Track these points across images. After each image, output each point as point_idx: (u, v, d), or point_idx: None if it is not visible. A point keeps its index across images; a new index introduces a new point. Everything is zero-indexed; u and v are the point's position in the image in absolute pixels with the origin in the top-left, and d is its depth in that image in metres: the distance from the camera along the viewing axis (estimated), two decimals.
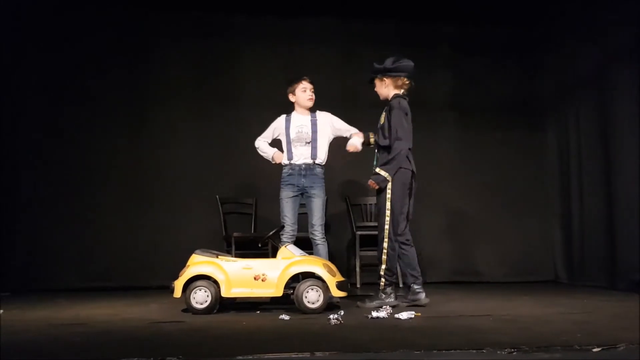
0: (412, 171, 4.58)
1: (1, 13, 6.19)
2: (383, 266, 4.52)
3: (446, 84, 6.93)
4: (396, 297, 4.53)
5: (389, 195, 4.50)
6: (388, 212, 4.50)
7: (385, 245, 4.51)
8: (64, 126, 6.48)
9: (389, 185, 4.50)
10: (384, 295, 4.50)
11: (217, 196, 6.37)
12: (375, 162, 4.73)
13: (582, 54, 6.36)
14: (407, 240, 4.60)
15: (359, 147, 4.86)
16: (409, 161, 4.57)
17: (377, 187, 4.54)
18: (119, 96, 6.61)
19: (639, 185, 5.44)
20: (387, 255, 4.50)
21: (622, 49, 5.67)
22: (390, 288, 4.53)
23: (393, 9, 6.83)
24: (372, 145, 4.94)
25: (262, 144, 5.11)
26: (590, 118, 6.25)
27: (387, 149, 4.57)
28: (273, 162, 5.08)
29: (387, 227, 4.50)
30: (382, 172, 4.50)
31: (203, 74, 6.81)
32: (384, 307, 4.14)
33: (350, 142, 4.88)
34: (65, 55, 6.51)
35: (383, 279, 4.53)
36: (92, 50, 6.57)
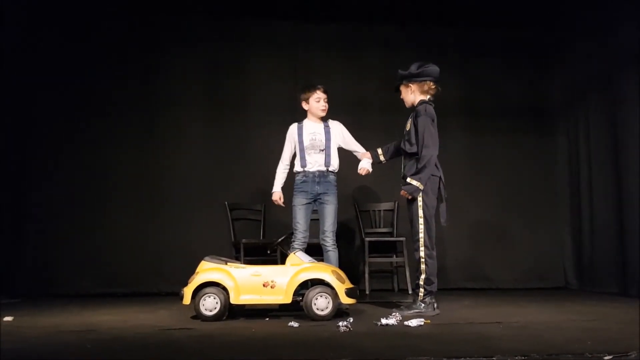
0: (440, 177, 4.56)
1: (12, 19, 6.23)
2: (423, 276, 4.46)
3: (456, 87, 6.90)
4: (435, 307, 4.46)
5: (420, 204, 4.48)
6: (421, 220, 4.47)
7: (422, 254, 4.46)
8: (74, 132, 6.51)
9: (421, 194, 4.48)
10: (422, 305, 4.44)
11: (226, 202, 6.37)
12: (402, 169, 4.70)
13: (592, 58, 6.34)
14: (433, 247, 4.56)
15: (370, 169, 4.89)
16: (437, 168, 4.56)
17: (410, 197, 4.52)
18: (128, 103, 6.63)
19: None
20: (426, 264, 4.45)
21: (633, 53, 5.64)
22: (429, 298, 4.47)
23: (402, 14, 6.83)
24: (382, 162, 4.95)
25: (279, 172, 5.09)
26: (600, 122, 6.22)
27: (414, 155, 4.55)
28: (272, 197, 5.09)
29: (421, 235, 4.46)
30: (414, 182, 4.46)
31: (212, 79, 6.82)
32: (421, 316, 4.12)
33: (361, 165, 4.90)
34: (74, 61, 6.54)
35: (422, 289, 4.47)
36: (101, 55, 6.59)
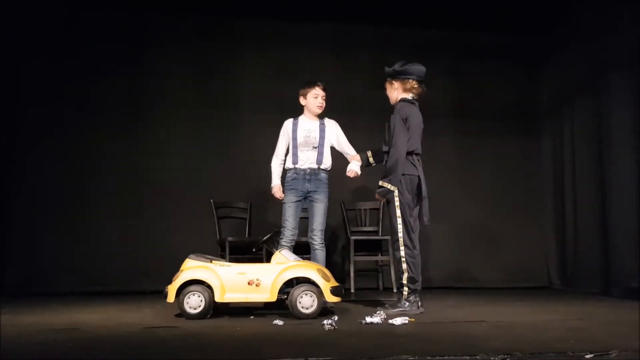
0: (419, 176, 4.55)
1: (3, 17, 6.17)
2: (405, 274, 4.46)
3: (444, 89, 6.94)
4: (420, 306, 4.47)
5: (397, 203, 4.48)
6: (399, 220, 4.48)
7: (402, 253, 4.47)
8: (59, 129, 6.46)
9: (396, 193, 4.48)
10: (407, 304, 4.44)
11: (212, 200, 6.35)
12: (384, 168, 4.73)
13: (578, 62, 6.39)
14: (415, 246, 4.57)
15: (359, 172, 4.89)
16: (414, 166, 4.54)
17: (384, 200, 4.52)
18: (115, 101, 6.60)
19: (633, 191, 5.45)
20: (407, 263, 4.46)
21: (619, 56, 5.69)
22: (413, 296, 4.47)
23: (391, 15, 6.83)
24: (372, 165, 4.95)
25: (274, 166, 5.05)
26: (585, 125, 6.27)
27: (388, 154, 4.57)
28: (272, 191, 5.06)
29: (400, 234, 4.46)
30: (385, 184, 4.47)
31: (200, 78, 6.81)
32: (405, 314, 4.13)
33: (349, 167, 4.89)
34: (62, 58, 6.50)
35: (406, 288, 4.47)
36: (89, 54, 6.55)
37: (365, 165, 4.95)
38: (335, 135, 5.01)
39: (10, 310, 4.65)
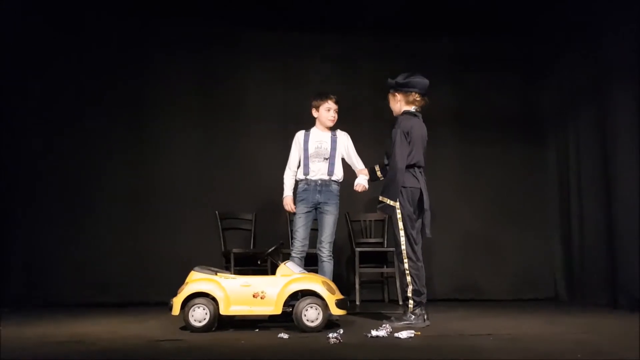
0: (420, 189, 4.54)
1: (4, 21, 6.19)
2: (410, 287, 4.44)
3: (446, 97, 6.93)
4: (426, 319, 4.45)
5: (399, 216, 4.47)
6: (402, 233, 4.47)
7: (406, 266, 4.46)
8: (63, 138, 6.47)
9: (397, 207, 4.47)
10: (413, 317, 4.42)
11: (217, 212, 6.35)
12: None
13: (581, 68, 6.37)
14: (419, 258, 4.55)
15: (367, 186, 4.91)
16: (416, 179, 4.53)
17: (386, 215, 4.51)
18: (118, 109, 6.60)
19: (639, 200, 5.42)
20: (412, 276, 4.44)
21: (621, 64, 5.68)
22: (419, 309, 4.45)
23: (393, 23, 6.84)
24: (379, 179, 4.92)
25: (287, 178, 5.03)
26: (589, 132, 6.25)
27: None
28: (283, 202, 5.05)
29: (404, 247, 4.46)
30: (385, 200, 4.47)
31: (203, 86, 6.82)
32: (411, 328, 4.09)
33: (357, 181, 4.91)
34: (65, 65, 6.52)
35: (411, 301, 4.45)
36: (93, 61, 6.57)
37: (372, 179, 4.96)
38: (345, 147, 5.01)
39: (15, 322, 4.64)
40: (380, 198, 4.50)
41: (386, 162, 4.61)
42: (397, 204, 4.45)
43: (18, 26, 6.36)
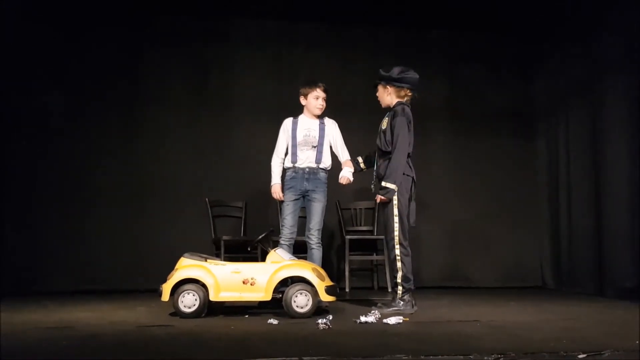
0: (413, 178, 4.60)
1: (4, 21, 6.15)
2: (400, 273, 4.49)
3: (439, 91, 6.96)
4: (414, 305, 4.50)
5: (395, 202, 4.51)
6: (396, 219, 4.51)
7: (397, 252, 4.50)
8: (56, 129, 6.45)
9: (396, 193, 4.51)
10: (402, 303, 4.47)
11: (207, 199, 6.35)
12: (375, 167, 4.75)
13: (573, 64, 6.41)
14: (408, 245, 4.59)
15: (351, 178, 4.92)
16: (410, 168, 4.60)
17: (387, 200, 4.53)
18: (111, 101, 6.60)
19: (627, 192, 5.47)
20: (402, 262, 4.49)
21: (612, 59, 5.71)
22: (408, 295, 4.50)
23: (387, 16, 6.84)
24: (363, 170, 4.99)
25: (274, 165, 5.00)
26: (580, 127, 6.29)
27: (388, 155, 4.58)
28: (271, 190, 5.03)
29: (396, 233, 4.50)
30: (389, 185, 4.50)
31: (196, 78, 6.82)
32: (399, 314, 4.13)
33: (342, 174, 4.92)
34: (59, 60, 6.50)
35: (400, 287, 4.50)
36: (86, 54, 6.56)
37: (357, 171, 5.00)
38: (332, 135, 5.00)
39: (5, 309, 4.63)
40: (384, 184, 4.52)
41: (384, 149, 4.61)
42: (397, 190, 4.49)
43: (15, 24, 6.32)
